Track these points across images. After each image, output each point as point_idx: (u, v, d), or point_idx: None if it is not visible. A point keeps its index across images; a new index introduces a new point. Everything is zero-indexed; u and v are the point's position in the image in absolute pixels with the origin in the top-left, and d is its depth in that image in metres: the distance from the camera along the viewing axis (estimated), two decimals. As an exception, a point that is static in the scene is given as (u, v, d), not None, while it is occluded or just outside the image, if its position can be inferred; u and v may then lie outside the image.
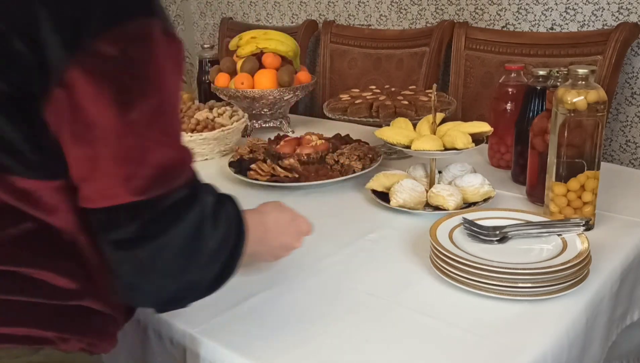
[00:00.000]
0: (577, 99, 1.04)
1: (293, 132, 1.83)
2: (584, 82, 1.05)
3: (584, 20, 1.94)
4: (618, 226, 1.14)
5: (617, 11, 1.87)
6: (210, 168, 1.58)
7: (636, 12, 1.83)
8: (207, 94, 2.04)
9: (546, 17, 2.01)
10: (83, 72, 0.62)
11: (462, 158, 1.35)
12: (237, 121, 1.70)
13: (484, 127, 1.27)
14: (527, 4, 2.03)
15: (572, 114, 1.05)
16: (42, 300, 0.70)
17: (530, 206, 1.24)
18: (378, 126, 1.48)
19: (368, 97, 1.64)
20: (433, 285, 0.97)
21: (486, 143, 1.39)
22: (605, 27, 1.89)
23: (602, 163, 1.10)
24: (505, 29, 2.10)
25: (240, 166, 1.46)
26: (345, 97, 1.67)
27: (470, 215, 1.07)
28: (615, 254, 1.04)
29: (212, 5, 3.03)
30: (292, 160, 1.43)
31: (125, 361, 1.00)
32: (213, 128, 1.64)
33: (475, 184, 1.23)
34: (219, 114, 1.73)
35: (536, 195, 1.23)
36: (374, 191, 1.29)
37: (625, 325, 1.09)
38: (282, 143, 1.54)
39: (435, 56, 2.15)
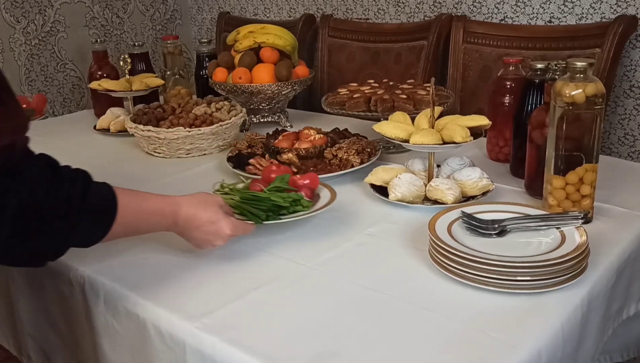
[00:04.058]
0: (575, 92, 1.04)
1: (291, 126, 1.83)
2: (582, 75, 1.05)
3: (582, 13, 1.93)
4: (616, 219, 1.14)
5: (616, 4, 1.86)
6: (209, 162, 1.58)
7: (634, 5, 1.83)
8: (205, 89, 2.04)
9: (544, 10, 2.00)
10: None
11: (460, 152, 1.35)
12: (235, 115, 1.69)
13: (482, 120, 1.27)
14: (525, -3, 2.03)
15: (571, 107, 1.05)
16: None
17: (529, 200, 1.24)
18: (376, 120, 1.48)
19: (366, 91, 1.64)
20: (432, 279, 0.97)
21: (485, 136, 1.39)
22: (604, 20, 1.89)
23: (600, 156, 1.10)
24: (503, 22, 2.10)
25: (238, 161, 1.46)
26: (343, 91, 1.67)
27: (469, 209, 1.07)
28: (613, 248, 1.04)
29: (210, -1, 3.02)
30: (290, 155, 1.43)
31: (125, 356, 1.00)
32: (211, 123, 1.64)
33: (474, 177, 1.23)
34: (217, 109, 1.73)
35: (535, 188, 1.23)
36: (373, 186, 1.29)
37: (621, 320, 1.09)
38: (280, 137, 1.54)
39: (433, 49, 2.15)
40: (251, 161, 1.43)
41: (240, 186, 1.15)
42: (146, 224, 0.97)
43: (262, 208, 1.07)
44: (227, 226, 1.01)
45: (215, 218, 1.00)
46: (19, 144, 0.79)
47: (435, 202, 1.22)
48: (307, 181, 1.16)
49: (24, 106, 1.50)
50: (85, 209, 0.83)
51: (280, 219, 1.09)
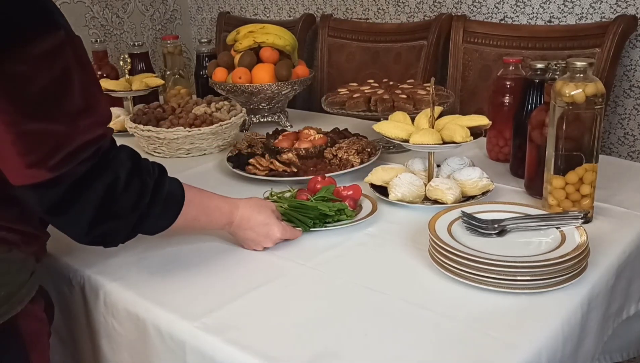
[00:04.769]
0: (575, 92, 1.04)
1: (291, 126, 1.83)
2: (582, 75, 1.05)
3: (582, 13, 1.93)
4: (616, 219, 1.14)
5: (615, 4, 1.86)
6: (209, 162, 1.58)
7: (634, 5, 1.83)
8: (205, 89, 2.04)
9: (544, 9, 2.00)
10: None
11: (460, 152, 1.35)
12: (235, 115, 1.69)
13: (482, 120, 1.27)
14: (525, -4, 2.03)
15: (570, 107, 1.05)
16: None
17: (529, 199, 1.24)
18: (376, 120, 1.48)
19: (366, 91, 1.64)
20: (432, 279, 0.97)
21: (485, 136, 1.39)
22: (604, 20, 1.89)
23: (600, 156, 1.10)
24: (503, 22, 2.10)
25: (238, 161, 1.46)
26: (343, 91, 1.67)
27: (469, 209, 1.07)
28: (613, 248, 1.04)
29: (210, -1, 3.02)
30: (290, 154, 1.43)
31: (125, 356, 1.00)
32: (211, 123, 1.64)
33: (474, 177, 1.23)
34: (217, 109, 1.73)
35: (535, 188, 1.23)
36: (373, 185, 1.29)
37: (621, 320, 1.09)
38: (280, 137, 1.54)
39: (433, 49, 2.15)
40: (251, 161, 1.43)
41: (288, 194, 1.23)
42: (206, 219, 1.02)
43: (310, 216, 1.13)
44: (278, 230, 1.08)
45: (268, 220, 1.08)
46: (108, 135, 0.88)
47: (435, 202, 1.22)
48: (350, 192, 1.21)
49: None
50: (157, 199, 0.91)
51: (326, 227, 1.14)
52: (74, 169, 0.82)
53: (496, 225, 1.02)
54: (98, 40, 2.15)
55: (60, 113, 0.82)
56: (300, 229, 1.12)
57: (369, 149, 1.47)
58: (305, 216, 1.13)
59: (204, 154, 1.65)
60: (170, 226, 0.95)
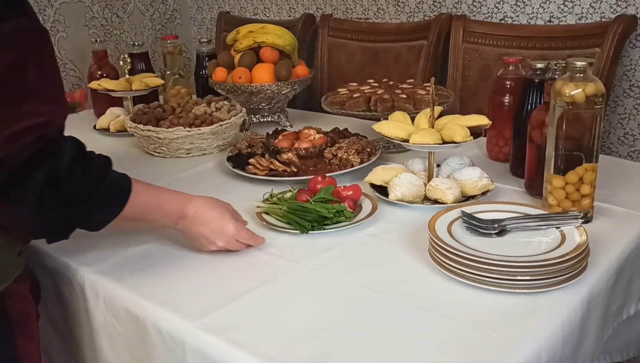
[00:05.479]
0: (575, 91, 1.04)
1: (291, 126, 1.83)
2: (582, 75, 1.05)
3: (582, 13, 1.93)
4: (616, 219, 1.14)
5: (615, 3, 1.86)
6: (209, 162, 1.58)
7: (634, 5, 1.83)
8: (204, 89, 2.04)
9: (544, 9, 2.00)
10: None
11: (460, 151, 1.35)
12: (235, 115, 1.69)
13: (482, 120, 1.27)
14: (525, -4, 2.03)
15: (570, 107, 1.05)
16: None
17: (529, 199, 1.24)
18: (376, 119, 1.48)
19: (366, 91, 1.64)
20: (432, 279, 0.97)
21: (484, 136, 1.39)
22: (603, 20, 1.89)
23: (600, 156, 1.10)
24: (503, 21, 2.10)
25: (238, 161, 1.46)
26: (343, 91, 1.67)
27: (469, 208, 1.07)
28: (613, 248, 1.04)
29: (209, -1, 3.02)
30: (290, 154, 1.43)
31: (125, 356, 1.00)
32: (211, 123, 1.64)
33: (474, 177, 1.23)
34: (217, 109, 1.73)
35: (535, 188, 1.23)
36: (373, 185, 1.29)
37: (621, 319, 1.09)
38: (280, 137, 1.54)
39: (433, 49, 2.15)
40: (251, 160, 1.43)
41: (288, 195, 1.22)
42: (157, 211, 1.01)
43: (308, 218, 1.13)
44: (233, 227, 1.05)
45: (222, 216, 1.05)
46: (52, 126, 0.86)
47: (435, 202, 1.22)
48: (350, 192, 1.21)
49: (69, 99, 1.59)
50: (102, 186, 0.90)
51: (324, 229, 1.13)
52: (15, 154, 0.82)
53: (496, 225, 1.02)
54: (98, 40, 2.15)
55: (4, 95, 0.82)
56: (263, 237, 1.10)
57: (369, 149, 1.47)
58: (304, 218, 1.13)
59: (204, 154, 1.65)
60: (118, 215, 0.93)
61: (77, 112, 1.51)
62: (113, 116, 1.93)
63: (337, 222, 1.14)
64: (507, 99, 1.43)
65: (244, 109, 1.75)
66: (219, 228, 1.04)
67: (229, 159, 1.49)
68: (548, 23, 2.00)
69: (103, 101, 2.01)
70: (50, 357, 1.20)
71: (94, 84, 1.93)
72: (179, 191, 1.06)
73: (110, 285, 1.01)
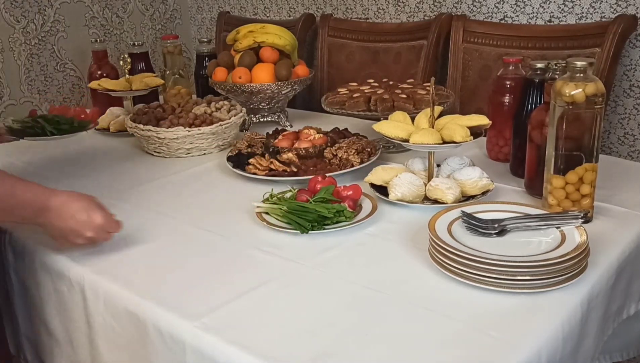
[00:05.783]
0: (575, 91, 1.04)
1: (291, 126, 1.83)
2: (582, 75, 1.04)
3: (582, 13, 1.93)
4: (616, 219, 1.14)
5: (615, 3, 1.86)
6: (209, 162, 1.58)
7: (634, 4, 1.83)
8: (204, 89, 2.04)
9: (544, 9, 2.00)
10: None
11: (460, 151, 1.35)
12: (235, 115, 1.69)
13: (482, 120, 1.27)
14: (525, -4, 2.03)
15: (570, 107, 1.05)
16: None
17: (529, 199, 1.24)
18: (376, 119, 1.48)
19: (366, 90, 1.64)
20: (432, 278, 0.97)
21: (484, 136, 1.38)
22: (603, 20, 1.89)
23: (600, 156, 1.10)
24: (503, 21, 2.10)
25: (238, 161, 1.46)
26: (343, 91, 1.67)
27: (469, 208, 1.07)
28: (613, 248, 1.04)
29: (209, -1, 3.02)
30: (290, 154, 1.43)
31: (123, 356, 1.00)
32: (211, 123, 1.64)
33: (474, 177, 1.23)
34: (217, 109, 1.73)
35: (535, 188, 1.23)
36: (373, 185, 1.29)
37: (621, 319, 1.09)
38: (280, 137, 1.54)
39: (433, 49, 2.15)
40: (251, 160, 1.43)
41: (288, 195, 1.22)
42: (12, 199, 0.95)
43: (308, 218, 1.13)
44: (100, 216, 1.03)
45: (89, 207, 1.02)
46: None
47: (435, 202, 1.22)
48: (350, 192, 1.21)
49: (82, 116, 1.61)
50: None
51: (324, 229, 1.13)
52: None
53: (496, 225, 1.02)
54: (98, 40, 2.15)
55: None
56: (120, 221, 1.08)
57: (369, 149, 1.47)
58: (304, 218, 1.13)
59: (204, 154, 1.65)
60: None
61: (86, 130, 1.53)
62: (113, 116, 1.93)
63: (337, 222, 1.14)
64: (507, 99, 1.43)
65: (244, 109, 1.75)
66: (85, 218, 1.01)
67: (229, 159, 1.49)
68: (548, 23, 2.00)
69: (103, 101, 2.01)
70: (50, 357, 1.20)
71: (94, 84, 1.93)
72: (41, 184, 1.01)
73: (110, 285, 1.01)
